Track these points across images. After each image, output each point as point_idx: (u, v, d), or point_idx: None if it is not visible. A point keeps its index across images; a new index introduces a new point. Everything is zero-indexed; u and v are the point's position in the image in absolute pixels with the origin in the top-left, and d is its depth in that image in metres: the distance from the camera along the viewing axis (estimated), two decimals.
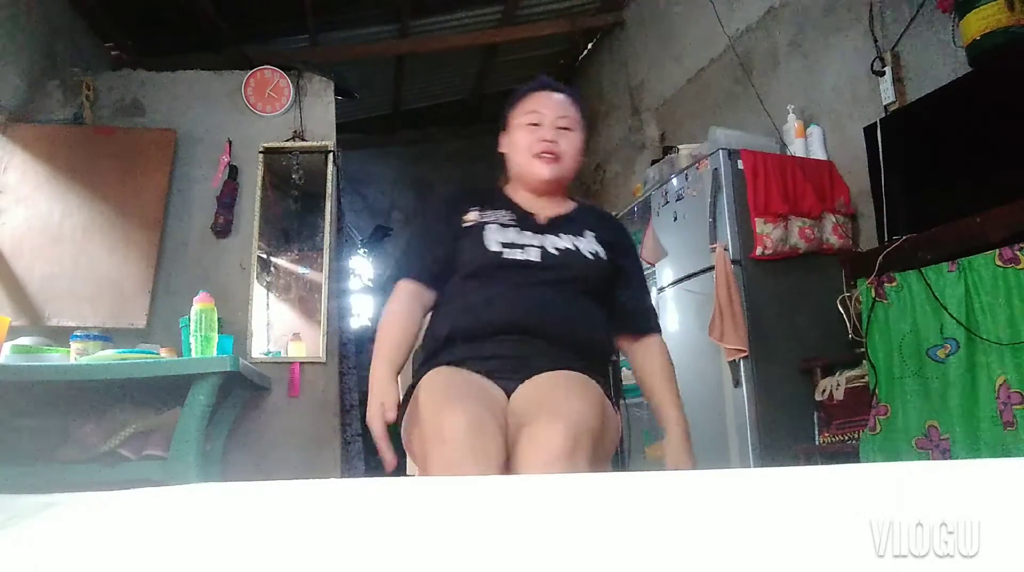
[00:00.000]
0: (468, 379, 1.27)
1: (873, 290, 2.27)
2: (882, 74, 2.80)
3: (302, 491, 0.61)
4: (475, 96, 6.09)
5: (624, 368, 3.76)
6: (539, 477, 0.93)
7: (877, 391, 2.25)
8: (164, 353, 2.84)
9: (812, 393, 2.66)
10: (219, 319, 2.86)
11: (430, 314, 1.48)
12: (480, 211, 1.48)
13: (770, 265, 2.82)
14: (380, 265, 6.57)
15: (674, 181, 3.20)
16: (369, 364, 1.40)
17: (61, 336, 2.94)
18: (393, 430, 1.38)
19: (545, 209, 1.51)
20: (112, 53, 4.25)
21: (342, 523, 0.53)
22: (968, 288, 2.00)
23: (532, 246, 1.42)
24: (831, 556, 0.45)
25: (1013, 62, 2.15)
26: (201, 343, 2.71)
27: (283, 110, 3.63)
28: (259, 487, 0.63)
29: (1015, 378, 1.87)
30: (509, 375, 1.30)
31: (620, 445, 1.63)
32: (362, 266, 6.43)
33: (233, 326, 3.26)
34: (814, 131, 3.11)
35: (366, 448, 3.88)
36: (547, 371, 1.29)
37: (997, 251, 1.93)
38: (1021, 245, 1.89)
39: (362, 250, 6.42)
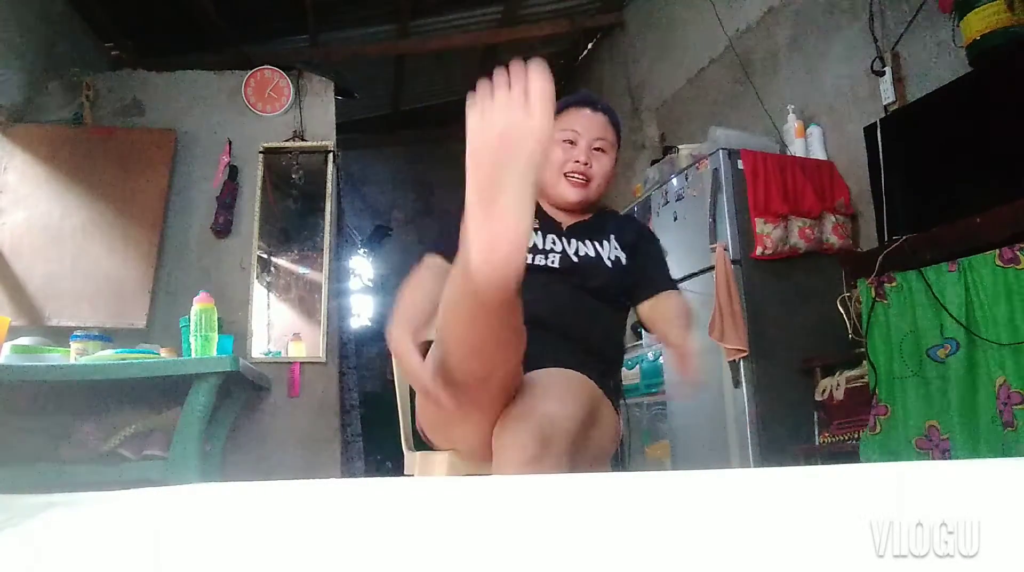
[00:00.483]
0: None
1: (873, 290, 2.27)
2: (882, 74, 2.80)
3: (302, 491, 0.61)
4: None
5: (624, 368, 3.76)
6: (539, 477, 0.93)
7: (877, 391, 2.25)
8: (164, 353, 2.84)
9: (812, 393, 2.66)
10: (219, 319, 2.86)
11: None
12: None
13: (770, 265, 2.82)
14: (380, 265, 6.57)
15: (674, 181, 3.20)
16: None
17: (61, 336, 2.94)
18: (393, 430, 1.37)
19: (567, 219, 1.51)
20: (112, 53, 4.25)
21: (342, 523, 0.53)
22: (968, 288, 2.00)
23: (554, 252, 1.41)
24: (831, 556, 0.45)
25: (1013, 62, 2.15)
26: (201, 343, 2.71)
27: (283, 110, 3.63)
28: (259, 487, 0.63)
29: (1015, 378, 1.87)
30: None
31: (620, 445, 1.63)
32: (362, 266, 6.43)
33: (233, 326, 3.26)
34: (814, 131, 3.11)
35: (366, 448, 3.89)
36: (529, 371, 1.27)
37: (997, 251, 1.94)
38: (1021, 245, 1.89)
39: (362, 250, 6.42)
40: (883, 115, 2.71)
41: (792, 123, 3.16)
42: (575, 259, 1.41)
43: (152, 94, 3.59)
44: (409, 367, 1.09)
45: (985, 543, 0.44)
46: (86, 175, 3.31)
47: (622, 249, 1.47)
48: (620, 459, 1.73)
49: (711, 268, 2.82)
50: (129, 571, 0.47)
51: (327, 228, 3.60)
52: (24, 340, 2.77)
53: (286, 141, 3.61)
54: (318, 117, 3.69)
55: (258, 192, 3.52)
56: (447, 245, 1.36)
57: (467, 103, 0.87)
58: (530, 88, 0.85)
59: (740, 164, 2.86)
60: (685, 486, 0.60)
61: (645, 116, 4.81)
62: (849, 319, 2.44)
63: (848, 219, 2.96)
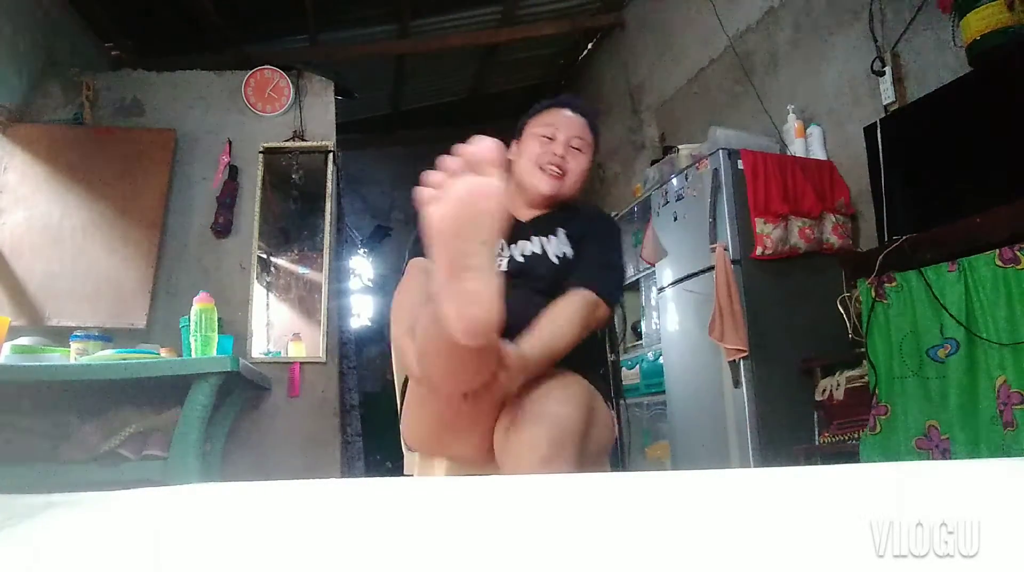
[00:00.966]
0: None
1: (873, 290, 2.27)
2: (882, 74, 2.80)
3: (302, 491, 0.61)
4: (475, 96, 6.09)
5: (624, 368, 3.76)
6: (539, 477, 0.93)
7: (877, 391, 2.25)
8: (164, 353, 2.84)
9: (812, 393, 2.66)
10: (219, 319, 2.86)
11: None
12: None
13: (770, 265, 2.82)
14: (380, 265, 6.57)
15: (674, 181, 3.20)
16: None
17: (61, 336, 2.94)
18: (393, 430, 1.37)
19: (528, 214, 1.51)
20: (112, 53, 4.25)
21: (342, 523, 0.53)
22: (968, 288, 2.00)
23: (500, 256, 1.41)
24: (831, 556, 0.45)
25: (1013, 62, 2.15)
26: (201, 343, 2.71)
27: (283, 110, 3.63)
28: (259, 487, 0.63)
29: (1015, 378, 1.87)
30: None
31: (620, 445, 1.62)
32: (362, 266, 6.43)
33: (233, 326, 3.27)
34: (814, 131, 3.11)
35: (366, 448, 3.89)
36: None
37: (997, 251, 1.93)
38: (1021, 245, 1.89)
39: (362, 250, 6.42)
40: (883, 115, 2.71)
41: (792, 123, 3.16)
42: (521, 260, 1.42)
43: (152, 94, 3.59)
44: (410, 363, 1.13)
45: (985, 543, 0.44)
46: (86, 175, 3.31)
47: (571, 243, 1.45)
48: (620, 459, 1.73)
49: (711, 268, 2.82)
50: (129, 571, 0.47)
51: (327, 228, 3.60)
52: (24, 340, 2.77)
53: (286, 141, 3.61)
54: (318, 117, 3.69)
55: (258, 192, 3.52)
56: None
57: (418, 193, 0.90)
58: (474, 155, 0.89)
59: (740, 164, 2.86)
60: (685, 486, 0.60)
61: (645, 116, 4.81)
62: (849, 319, 2.44)
63: (848, 219, 2.97)
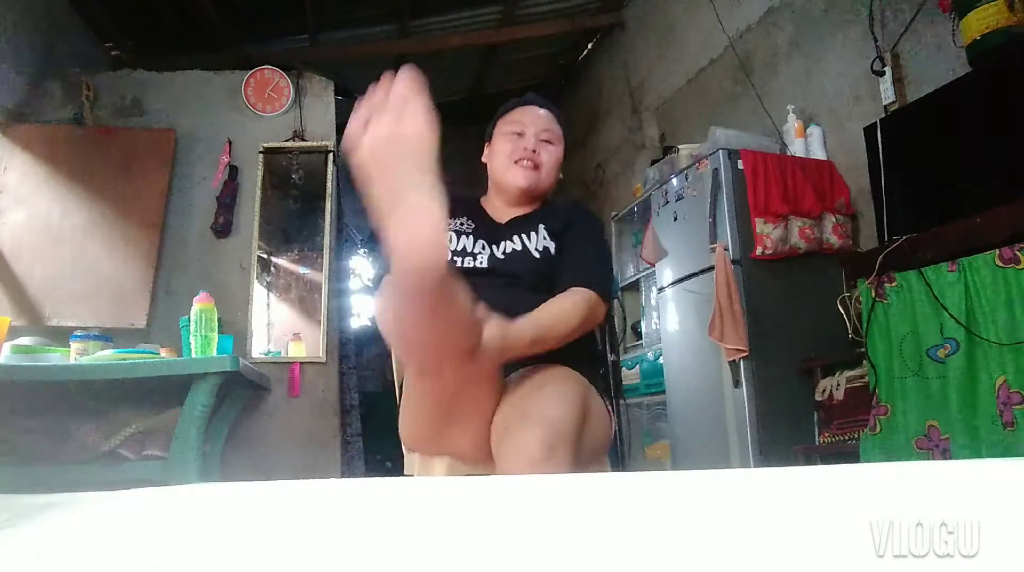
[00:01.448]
0: None
1: (873, 290, 2.27)
2: (882, 74, 2.80)
3: (302, 491, 0.61)
4: (475, 96, 6.09)
5: (624, 368, 3.76)
6: (539, 477, 0.93)
7: (877, 391, 2.25)
8: (164, 353, 2.84)
9: (812, 393, 2.66)
10: (219, 319, 2.87)
11: None
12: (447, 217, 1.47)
13: (770, 265, 2.82)
14: (380, 265, 6.57)
15: (674, 181, 3.20)
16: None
17: (61, 336, 2.94)
18: (393, 430, 1.37)
19: (508, 213, 1.53)
20: (112, 53, 4.25)
21: (342, 523, 0.53)
22: (968, 288, 2.00)
23: (481, 254, 1.43)
24: (831, 556, 0.45)
25: (1013, 62, 2.15)
26: (201, 343, 2.71)
27: (283, 110, 3.63)
28: (259, 487, 0.63)
29: (1015, 378, 1.87)
30: None
31: (620, 445, 1.62)
32: (362, 266, 6.42)
33: (233, 326, 3.27)
34: (814, 131, 3.11)
35: (366, 448, 3.89)
36: (517, 368, 1.31)
37: (997, 251, 1.94)
38: (1021, 245, 1.89)
39: (362, 250, 6.42)
40: (883, 115, 2.71)
41: (792, 123, 3.16)
42: (501, 257, 1.44)
43: (152, 94, 3.59)
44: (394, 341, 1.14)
45: (985, 543, 0.44)
46: (86, 175, 3.31)
47: (551, 238, 1.46)
48: (620, 459, 1.72)
49: (711, 268, 2.82)
50: (129, 571, 0.47)
51: (327, 228, 3.60)
52: (24, 340, 2.77)
53: (286, 141, 3.61)
54: (318, 117, 3.69)
55: (258, 192, 3.52)
56: None
57: (345, 138, 0.91)
58: (396, 94, 0.89)
59: (740, 164, 2.86)
60: (685, 486, 0.60)
61: (645, 116, 4.81)
62: (849, 319, 2.44)
63: (848, 219, 2.97)
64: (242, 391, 3.04)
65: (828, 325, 2.59)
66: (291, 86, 3.64)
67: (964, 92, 2.28)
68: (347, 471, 3.55)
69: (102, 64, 4.03)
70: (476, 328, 1.08)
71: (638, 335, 3.98)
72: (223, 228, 3.44)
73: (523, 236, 1.46)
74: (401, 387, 1.46)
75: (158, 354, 2.78)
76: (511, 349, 1.16)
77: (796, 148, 3.11)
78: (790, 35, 3.40)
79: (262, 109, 3.62)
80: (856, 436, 2.37)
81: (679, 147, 3.39)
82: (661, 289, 3.29)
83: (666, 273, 3.25)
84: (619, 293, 3.93)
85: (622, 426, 1.62)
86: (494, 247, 1.45)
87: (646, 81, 4.81)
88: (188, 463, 2.48)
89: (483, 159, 1.59)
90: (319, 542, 0.49)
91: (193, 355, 2.72)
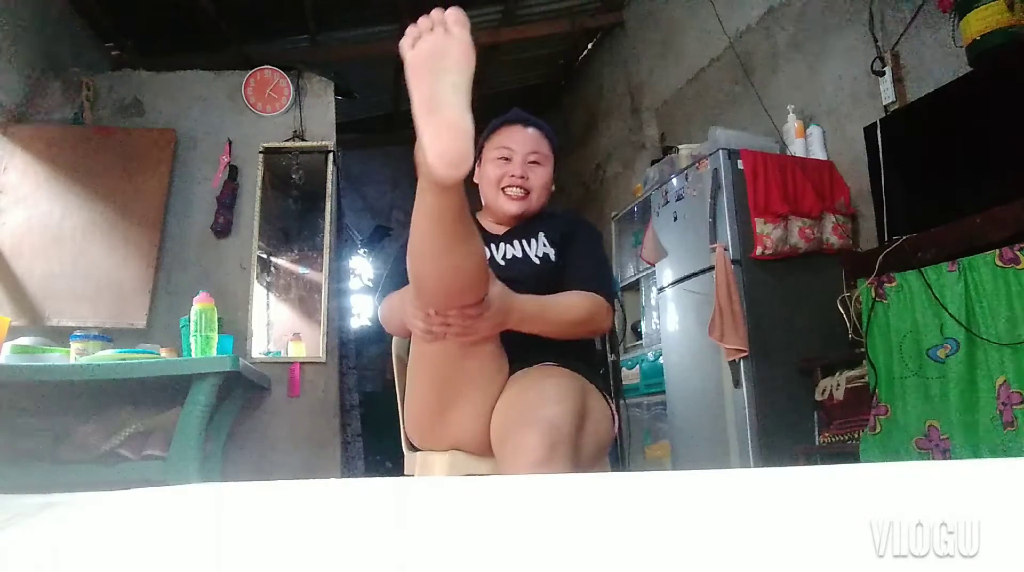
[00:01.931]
0: None
1: (873, 290, 2.27)
2: (882, 74, 2.80)
3: (302, 491, 0.61)
4: (475, 96, 6.08)
5: (624, 368, 3.76)
6: (539, 477, 0.94)
7: (877, 391, 2.25)
8: (164, 353, 2.84)
9: (812, 393, 2.66)
10: (219, 319, 2.86)
11: None
12: None
13: (770, 265, 2.82)
14: (380, 265, 6.58)
15: (674, 181, 3.20)
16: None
17: (61, 336, 2.94)
18: (393, 430, 1.37)
19: (503, 227, 1.54)
20: (112, 53, 4.25)
21: (342, 523, 0.53)
22: (968, 288, 2.00)
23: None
24: (831, 556, 0.45)
25: (1013, 62, 2.15)
26: (201, 343, 2.71)
27: (283, 110, 3.63)
28: (259, 487, 0.63)
29: (1015, 378, 1.87)
30: None
31: (620, 445, 1.63)
32: (362, 266, 6.43)
33: (233, 326, 3.26)
34: (814, 131, 3.11)
35: (366, 448, 3.89)
36: (521, 367, 1.32)
37: (997, 251, 1.94)
38: (1021, 245, 1.89)
39: (362, 250, 6.43)
40: (883, 115, 2.71)
41: (792, 123, 3.16)
42: (502, 263, 1.45)
43: (152, 94, 3.59)
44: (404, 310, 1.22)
45: (985, 543, 0.44)
46: (86, 175, 3.31)
47: (550, 245, 1.48)
48: (620, 459, 1.72)
49: (711, 268, 2.82)
50: (129, 570, 0.47)
51: (327, 228, 3.60)
52: (24, 340, 2.77)
53: (286, 141, 3.61)
54: (318, 117, 3.69)
55: (258, 192, 3.52)
56: (401, 284, 1.39)
57: (400, 43, 1.01)
58: (446, 18, 1.00)
59: (740, 164, 2.86)
60: (685, 486, 0.60)
61: (645, 116, 4.81)
62: (849, 319, 2.44)
63: (848, 219, 2.97)
64: (242, 391, 3.03)
65: (828, 325, 2.59)
66: (291, 86, 3.64)
67: (964, 92, 2.28)
68: (347, 471, 3.55)
69: (102, 64, 4.02)
70: (486, 273, 1.16)
71: (638, 335, 3.98)
72: (223, 228, 3.44)
73: (523, 242, 1.48)
74: (404, 386, 1.46)
75: (158, 354, 2.78)
76: (514, 312, 1.22)
77: (796, 148, 3.11)
78: (790, 35, 3.40)
79: (262, 109, 3.62)
80: (856, 436, 2.37)
81: (679, 147, 3.39)
82: (661, 289, 3.29)
83: (666, 273, 3.25)
84: (619, 293, 3.93)
85: (622, 426, 1.62)
86: (495, 251, 1.46)
87: (646, 81, 4.81)
88: (188, 463, 2.48)
89: (474, 180, 1.57)
90: (319, 542, 0.49)
91: (193, 355, 2.72)
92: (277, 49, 4.65)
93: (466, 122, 0.98)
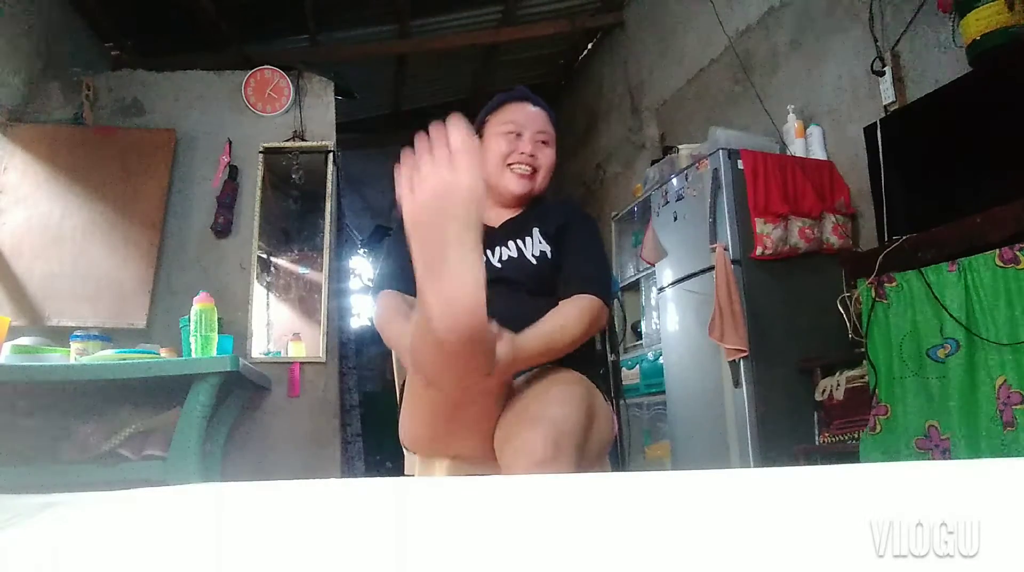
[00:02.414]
0: None
1: (873, 290, 2.27)
2: (882, 74, 2.80)
3: (302, 491, 0.61)
4: (475, 96, 6.09)
5: (624, 368, 3.75)
6: (539, 477, 0.93)
7: (877, 391, 2.25)
8: (164, 353, 2.84)
9: (812, 393, 2.66)
10: (219, 319, 2.86)
11: None
12: None
13: (770, 265, 2.82)
14: (379, 265, 6.58)
15: (674, 181, 3.20)
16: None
17: (61, 336, 2.94)
18: (393, 430, 1.37)
19: (503, 215, 1.48)
20: (112, 53, 4.25)
21: (342, 523, 0.53)
22: (968, 288, 2.00)
23: None
24: (831, 556, 0.45)
25: (1013, 62, 2.15)
26: (201, 343, 2.71)
27: (283, 110, 3.63)
28: (259, 487, 0.63)
29: (1015, 378, 1.87)
30: None
31: (620, 445, 1.62)
32: (362, 266, 6.43)
33: (233, 326, 3.27)
34: (814, 131, 3.11)
35: (366, 448, 3.89)
36: (522, 372, 1.30)
37: (997, 251, 1.94)
38: (1021, 245, 1.89)
39: (362, 250, 6.43)
40: (883, 115, 2.71)
41: (792, 123, 3.16)
42: (498, 265, 1.39)
43: (152, 94, 3.59)
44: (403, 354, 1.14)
45: (985, 543, 0.44)
46: (86, 175, 3.31)
47: (546, 241, 1.42)
48: (620, 459, 1.72)
49: (711, 268, 2.82)
50: (129, 571, 0.47)
51: (327, 228, 3.60)
52: (24, 340, 2.77)
53: (286, 141, 3.61)
54: (318, 117, 3.69)
55: (258, 192, 3.52)
56: (397, 279, 1.39)
57: (395, 175, 0.88)
58: (451, 145, 0.86)
59: (740, 164, 2.86)
60: (685, 486, 0.60)
61: (645, 116, 4.81)
62: (849, 319, 2.44)
63: (848, 219, 2.97)
64: (242, 391, 3.03)
65: (828, 325, 2.59)
66: (291, 86, 3.64)
67: (964, 92, 2.28)
68: (347, 471, 3.55)
69: (102, 64, 4.02)
70: (492, 355, 1.07)
71: (638, 335, 3.98)
72: (223, 228, 3.44)
73: (518, 242, 1.42)
74: (402, 387, 1.46)
75: (158, 354, 2.78)
76: (521, 363, 1.17)
77: (796, 148, 3.11)
78: (790, 35, 3.40)
79: (262, 109, 3.62)
80: (856, 436, 2.37)
81: (679, 147, 3.39)
82: (661, 289, 3.29)
83: (666, 273, 3.25)
84: (619, 293, 3.93)
85: (622, 426, 1.62)
86: (490, 254, 1.41)
87: (646, 81, 4.81)
88: (188, 463, 2.48)
89: None
90: (319, 542, 0.49)
91: (193, 355, 2.72)
92: (277, 49, 4.65)
93: (477, 281, 0.86)
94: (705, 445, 2.94)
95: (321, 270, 3.58)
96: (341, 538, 0.50)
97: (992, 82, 2.22)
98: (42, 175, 3.29)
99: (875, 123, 2.58)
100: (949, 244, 2.09)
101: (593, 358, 1.54)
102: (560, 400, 1.20)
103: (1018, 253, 1.89)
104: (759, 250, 2.78)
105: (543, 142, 1.46)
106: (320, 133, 3.66)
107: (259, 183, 3.53)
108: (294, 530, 0.52)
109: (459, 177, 0.85)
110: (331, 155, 3.65)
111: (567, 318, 1.27)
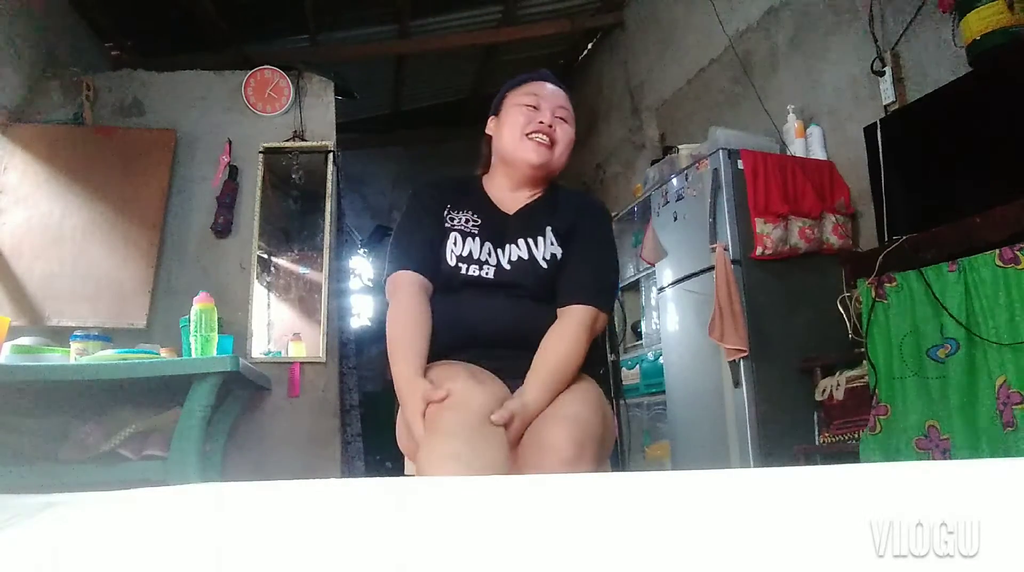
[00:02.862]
0: (472, 369, 1.27)
1: (873, 290, 2.27)
2: (882, 74, 2.80)
3: (302, 491, 0.61)
4: (475, 96, 6.09)
5: (624, 368, 3.76)
6: (538, 477, 0.94)
7: (877, 391, 2.25)
8: (164, 353, 2.84)
9: (812, 393, 2.66)
10: (219, 319, 2.86)
11: None
12: (452, 211, 1.43)
13: (770, 265, 2.82)
14: (380, 265, 6.58)
15: (674, 181, 3.20)
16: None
17: (61, 336, 2.94)
18: (393, 430, 1.37)
19: (517, 200, 1.46)
20: (112, 53, 4.25)
21: (342, 523, 0.53)
22: (968, 288, 2.00)
23: (488, 263, 1.37)
24: (831, 556, 0.45)
25: (1013, 62, 2.15)
26: (201, 343, 2.71)
27: (283, 110, 3.63)
28: (259, 487, 0.63)
29: (1015, 378, 1.87)
30: (503, 377, 1.30)
31: (620, 445, 1.63)
32: (362, 266, 6.43)
33: (233, 326, 3.26)
34: (814, 131, 3.11)
35: (366, 448, 3.89)
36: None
37: (997, 251, 1.94)
38: (1021, 245, 1.89)
39: (362, 250, 6.43)
40: (883, 115, 2.71)
41: (792, 123, 3.16)
42: (507, 266, 1.37)
43: (152, 94, 3.59)
44: (417, 430, 1.16)
45: (985, 543, 0.44)
46: (86, 175, 3.31)
47: (558, 240, 1.40)
48: (620, 459, 1.72)
49: (711, 268, 2.82)
50: (129, 571, 0.47)
51: (327, 228, 3.60)
52: (24, 340, 2.77)
53: (286, 141, 3.61)
54: (318, 117, 3.69)
55: (258, 192, 3.52)
56: (416, 258, 1.38)
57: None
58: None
59: (740, 164, 2.86)
60: (685, 486, 0.60)
61: (645, 116, 4.81)
62: (849, 319, 2.44)
63: (848, 219, 2.97)
64: (242, 391, 3.03)
65: (828, 325, 2.59)
66: (291, 86, 3.64)
67: (964, 92, 2.28)
68: (347, 471, 3.55)
69: (102, 64, 4.02)
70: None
71: (638, 335, 3.98)
72: (223, 228, 3.44)
73: (529, 241, 1.39)
74: None
75: (158, 354, 2.78)
76: (531, 414, 1.19)
77: (796, 148, 3.11)
78: (790, 35, 3.40)
79: (262, 109, 3.62)
80: (856, 436, 2.37)
81: (679, 147, 3.39)
82: (661, 289, 3.29)
83: (666, 273, 3.25)
84: (619, 293, 3.93)
85: (622, 426, 1.62)
86: (500, 253, 1.38)
87: (646, 81, 4.81)
88: (188, 463, 2.48)
89: (487, 131, 1.51)
90: (319, 542, 0.49)
91: (193, 355, 2.72)
92: (277, 49, 4.65)
93: None
94: (705, 445, 2.94)
95: (321, 270, 3.58)
96: (341, 538, 0.50)
97: (992, 82, 2.22)
98: (42, 175, 3.29)
99: (875, 123, 2.58)
100: (949, 244, 2.09)
101: (595, 358, 1.54)
102: (581, 399, 1.22)
103: (1018, 253, 1.89)
104: (759, 250, 2.78)
105: (561, 118, 1.45)
106: (320, 133, 3.66)
107: (259, 183, 3.53)
108: (294, 530, 0.52)
109: None
110: (331, 155, 3.64)
111: (566, 348, 1.28)
